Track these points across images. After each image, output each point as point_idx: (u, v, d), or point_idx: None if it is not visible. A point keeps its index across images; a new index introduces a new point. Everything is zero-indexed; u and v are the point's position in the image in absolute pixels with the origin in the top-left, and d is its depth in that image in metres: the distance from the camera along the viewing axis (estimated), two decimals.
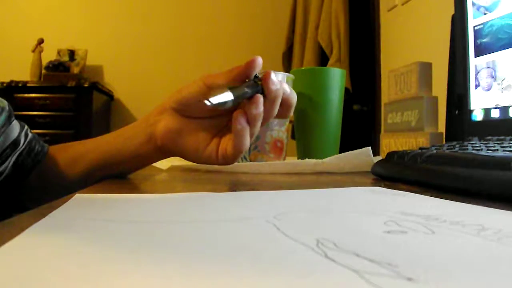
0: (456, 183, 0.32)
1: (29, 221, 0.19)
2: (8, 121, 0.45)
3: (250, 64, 0.36)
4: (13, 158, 0.44)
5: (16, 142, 0.45)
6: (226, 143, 0.39)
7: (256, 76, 0.36)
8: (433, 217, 0.21)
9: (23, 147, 0.46)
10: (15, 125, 0.46)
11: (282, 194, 0.32)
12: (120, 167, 0.44)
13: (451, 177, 0.33)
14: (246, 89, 0.35)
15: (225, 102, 0.32)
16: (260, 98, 0.35)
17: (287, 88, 0.39)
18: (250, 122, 0.36)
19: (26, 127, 0.48)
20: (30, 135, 0.47)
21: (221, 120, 0.40)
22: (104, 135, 0.45)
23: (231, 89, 0.33)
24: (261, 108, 0.36)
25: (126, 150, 0.42)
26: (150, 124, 0.41)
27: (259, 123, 0.37)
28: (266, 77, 0.36)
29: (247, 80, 0.36)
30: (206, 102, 0.31)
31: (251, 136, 0.37)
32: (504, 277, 0.13)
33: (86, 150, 0.45)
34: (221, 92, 0.32)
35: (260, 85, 0.36)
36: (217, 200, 0.29)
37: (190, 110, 0.39)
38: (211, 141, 0.40)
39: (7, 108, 0.45)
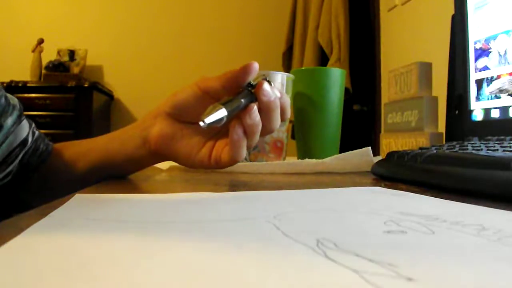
0: (456, 183, 0.32)
1: (29, 221, 0.19)
2: (19, 120, 0.45)
3: (246, 69, 0.35)
4: (19, 157, 0.45)
5: (25, 141, 0.45)
6: (221, 149, 0.38)
7: (250, 84, 0.35)
8: (433, 217, 0.21)
9: (30, 145, 0.46)
10: (25, 124, 0.46)
11: (282, 194, 0.32)
12: (116, 170, 0.44)
13: (451, 177, 0.33)
14: (241, 100, 0.34)
15: (220, 119, 0.31)
16: (253, 107, 0.35)
17: (284, 96, 0.38)
18: (247, 132, 0.35)
19: (33, 125, 0.48)
20: (36, 133, 0.47)
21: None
22: (103, 136, 0.45)
23: (224, 104, 0.32)
24: (255, 118, 0.35)
25: (121, 153, 0.42)
26: (144, 127, 0.41)
27: (256, 135, 0.36)
28: (258, 87, 0.35)
29: (241, 89, 0.35)
30: (201, 123, 0.31)
31: (248, 147, 0.36)
32: (504, 277, 0.12)
33: (87, 149, 0.45)
34: (215, 109, 0.31)
35: (255, 94, 0.35)
36: (217, 200, 0.29)
37: (185, 115, 0.39)
38: (204, 145, 0.39)
39: (18, 106, 0.45)
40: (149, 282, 0.12)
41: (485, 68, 0.55)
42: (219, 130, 0.40)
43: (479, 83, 0.56)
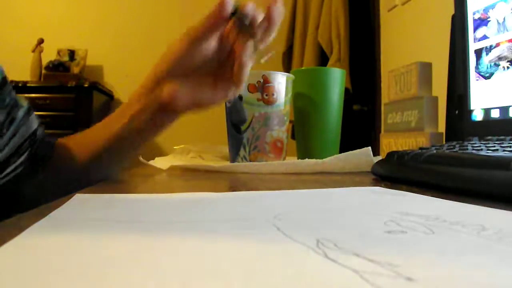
0: (456, 183, 0.32)
1: (29, 221, 0.19)
2: (28, 112, 0.46)
3: (221, 5, 0.37)
4: (29, 148, 0.45)
5: (35, 132, 0.46)
6: (229, 72, 0.40)
7: (233, 13, 0.38)
8: (433, 217, 0.21)
9: (38, 136, 0.47)
10: (34, 116, 0.47)
11: (282, 194, 0.32)
12: (133, 144, 0.45)
13: (451, 177, 0.33)
14: (245, 22, 0.38)
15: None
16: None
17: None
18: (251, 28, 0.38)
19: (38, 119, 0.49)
20: (41, 126, 0.48)
21: (214, 58, 0.41)
22: (107, 118, 0.45)
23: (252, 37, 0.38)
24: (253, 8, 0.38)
25: (134, 127, 0.43)
26: (154, 97, 0.41)
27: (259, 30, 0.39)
28: (243, 8, 0.38)
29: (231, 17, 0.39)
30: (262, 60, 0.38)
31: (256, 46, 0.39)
32: (504, 277, 0.12)
33: (94, 134, 0.45)
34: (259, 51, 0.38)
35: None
36: (217, 200, 0.29)
37: (184, 67, 0.40)
38: (215, 79, 0.41)
39: (25, 100, 0.46)
40: (148, 282, 0.12)
41: (484, 37, 0.56)
42: (219, 59, 0.41)
43: (478, 52, 0.57)
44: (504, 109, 0.53)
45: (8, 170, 0.43)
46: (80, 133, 0.48)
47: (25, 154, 0.44)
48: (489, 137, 0.48)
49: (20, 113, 0.44)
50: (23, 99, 0.46)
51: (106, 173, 0.45)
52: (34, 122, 0.46)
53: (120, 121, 0.44)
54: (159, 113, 0.42)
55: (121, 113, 0.45)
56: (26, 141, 0.44)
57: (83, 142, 0.46)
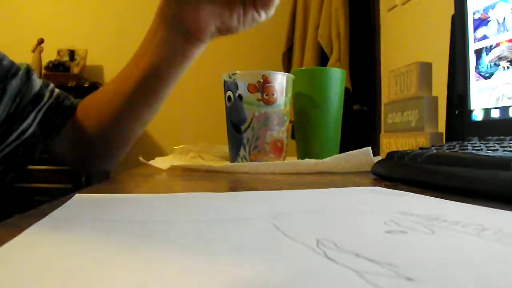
0: (456, 183, 0.32)
1: (29, 221, 0.19)
2: (27, 77, 0.44)
3: None
4: (39, 115, 0.43)
5: (38, 97, 0.44)
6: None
7: None
8: (433, 217, 0.21)
9: (49, 103, 0.44)
10: (35, 80, 0.45)
11: (282, 194, 0.32)
12: (164, 81, 0.44)
13: (451, 177, 0.33)
14: None
15: None
16: None
17: None
18: None
19: (52, 85, 0.47)
20: (56, 91, 0.46)
21: None
22: (128, 64, 0.44)
23: None
24: None
25: (164, 59, 0.41)
26: (174, 22, 0.39)
27: None
28: None
29: None
30: None
31: None
32: (504, 277, 0.12)
33: (118, 82, 0.44)
34: None
35: None
36: (217, 200, 0.29)
37: None
38: (244, 4, 0.39)
39: (24, 65, 0.45)
40: (148, 282, 0.12)
41: (484, 37, 0.56)
42: None
43: (478, 52, 0.57)
44: (504, 109, 0.53)
45: (11, 138, 0.41)
46: (108, 83, 0.46)
47: (28, 121, 0.42)
48: (489, 137, 0.48)
49: (15, 82, 0.42)
50: (23, 64, 0.44)
51: (130, 131, 0.43)
52: (34, 87, 0.44)
53: (143, 59, 0.41)
54: (183, 43, 0.39)
55: (144, 48, 0.42)
56: (26, 106, 0.43)
57: (110, 91, 0.44)
